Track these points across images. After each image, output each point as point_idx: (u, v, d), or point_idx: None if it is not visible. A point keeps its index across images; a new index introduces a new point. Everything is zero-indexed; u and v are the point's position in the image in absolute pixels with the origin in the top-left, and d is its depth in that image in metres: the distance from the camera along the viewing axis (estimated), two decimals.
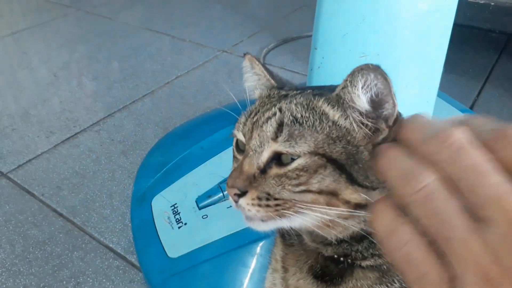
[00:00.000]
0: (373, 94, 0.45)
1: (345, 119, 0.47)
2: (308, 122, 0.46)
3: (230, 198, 0.47)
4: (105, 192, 1.20)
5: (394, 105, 0.45)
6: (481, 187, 0.29)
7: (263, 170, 0.46)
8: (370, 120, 0.46)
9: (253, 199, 0.45)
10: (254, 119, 0.49)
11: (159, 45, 2.04)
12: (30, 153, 1.36)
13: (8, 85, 1.81)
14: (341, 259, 0.51)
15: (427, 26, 0.82)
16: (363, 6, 0.79)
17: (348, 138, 0.46)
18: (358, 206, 0.45)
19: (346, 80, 0.45)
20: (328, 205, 0.45)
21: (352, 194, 0.44)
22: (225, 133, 1.23)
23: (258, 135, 0.47)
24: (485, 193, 0.29)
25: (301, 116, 0.46)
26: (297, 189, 0.44)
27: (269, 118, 0.47)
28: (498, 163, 0.30)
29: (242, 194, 0.46)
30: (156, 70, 1.83)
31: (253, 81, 0.59)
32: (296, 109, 0.47)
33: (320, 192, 0.44)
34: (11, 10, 2.58)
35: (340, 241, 0.50)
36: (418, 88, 0.91)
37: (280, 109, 0.48)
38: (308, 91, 0.52)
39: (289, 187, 0.45)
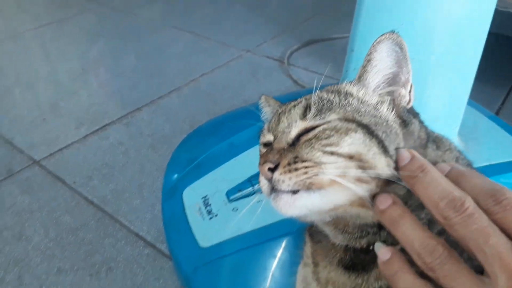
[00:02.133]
0: (393, 59, 0.48)
1: (369, 96, 0.50)
2: (334, 101, 0.49)
3: (263, 178, 0.46)
4: (134, 183, 1.23)
5: (409, 71, 0.49)
6: (487, 247, 0.37)
7: (292, 144, 0.47)
8: (390, 90, 0.50)
9: (284, 166, 0.44)
10: (280, 111, 0.52)
11: (183, 43, 2.08)
12: (60, 143, 1.41)
13: (37, 78, 1.86)
14: (370, 247, 0.51)
15: (462, 34, 0.84)
16: (402, 11, 0.82)
17: (375, 112, 0.48)
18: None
19: (367, 56, 0.49)
20: (358, 181, 0.43)
21: (383, 163, 0.44)
22: (254, 130, 1.26)
23: (286, 118, 0.49)
24: (490, 252, 0.37)
25: (328, 100, 0.49)
26: (327, 149, 0.44)
27: (295, 105, 0.50)
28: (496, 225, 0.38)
29: (275, 168, 0.44)
30: (181, 68, 1.86)
31: (270, 112, 0.64)
32: (321, 94, 0.50)
33: (350, 157, 0.43)
34: (35, 5, 2.64)
35: (372, 227, 0.49)
36: (449, 94, 0.93)
37: (306, 98, 0.50)
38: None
39: (319, 146, 0.44)
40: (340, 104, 0.48)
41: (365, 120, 0.46)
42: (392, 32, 0.47)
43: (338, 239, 0.52)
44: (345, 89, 0.51)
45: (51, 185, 1.24)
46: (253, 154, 1.03)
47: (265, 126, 0.56)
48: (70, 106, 1.62)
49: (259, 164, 0.46)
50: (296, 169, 0.43)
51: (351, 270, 0.52)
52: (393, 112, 0.49)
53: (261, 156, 0.47)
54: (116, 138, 1.43)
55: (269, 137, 0.52)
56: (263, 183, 0.46)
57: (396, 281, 0.43)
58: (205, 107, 1.57)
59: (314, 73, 1.77)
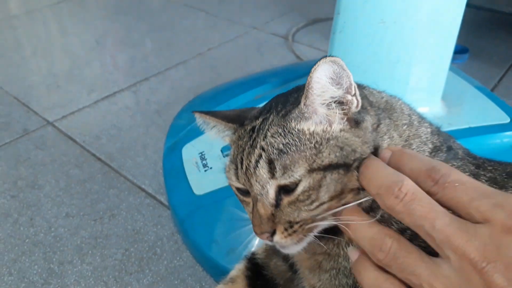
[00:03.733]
0: (332, 77, 0.48)
1: (319, 122, 0.49)
2: (292, 147, 0.48)
3: (264, 240, 0.50)
4: (139, 143, 1.32)
5: (348, 76, 0.48)
6: (435, 231, 0.37)
7: (277, 205, 0.49)
8: (337, 104, 0.49)
9: (282, 232, 0.49)
10: (244, 168, 0.51)
11: (193, 20, 2.15)
12: (73, 106, 1.50)
13: (52, 49, 1.96)
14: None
15: (441, 5, 0.89)
16: None
17: (327, 136, 0.49)
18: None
19: (307, 84, 0.48)
20: (343, 204, 0.48)
21: (351, 176, 0.48)
22: (250, 95, 1.34)
23: (257, 181, 0.49)
24: (438, 237, 0.37)
25: (283, 145, 0.48)
26: (312, 206, 0.48)
27: (257, 161, 0.49)
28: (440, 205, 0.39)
29: (273, 233, 0.49)
30: (189, 42, 1.94)
31: (216, 133, 0.61)
32: (275, 141, 0.49)
33: (331, 198, 0.48)
34: None
35: None
36: (432, 56, 0.98)
37: (262, 148, 0.49)
38: (273, 112, 0.52)
39: (305, 207, 0.48)
40: (300, 150, 0.48)
41: (326, 160, 0.47)
42: (325, 56, 0.47)
43: None
44: (296, 128, 0.49)
45: (62, 143, 1.33)
46: None
47: (229, 167, 0.54)
48: (83, 75, 1.71)
49: (256, 233, 0.50)
50: (295, 231, 0.49)
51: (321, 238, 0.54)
52: (344, 120, 0.50)
53: (254, 225, 0.50)
54: (124, 103, 1.52)
55: (238, 185, 0.53)
56: (265, 240, 0.51)
57: (361, 279, 0.45)
58: (210, 79, 1.64)
59: (317, 49, 1.82)
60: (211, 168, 1.04)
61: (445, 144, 0.56)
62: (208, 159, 1.07)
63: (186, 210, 0.98)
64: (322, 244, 0.53)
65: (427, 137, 0.54)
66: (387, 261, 0.41)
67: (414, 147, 0.53)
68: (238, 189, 0.54)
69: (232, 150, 0.55)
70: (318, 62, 0.47)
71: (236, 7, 2.28)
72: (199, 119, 0.62)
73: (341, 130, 0.49)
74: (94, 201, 1.12)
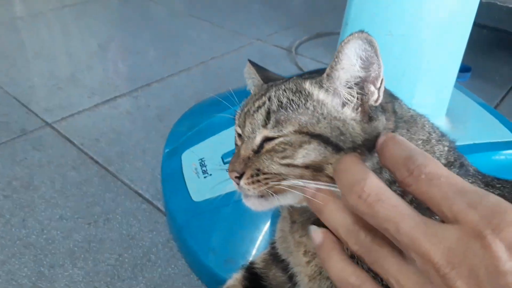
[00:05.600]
0: (362, 58, 0.47)
1: (332, 96, 0.49)
2: (293, 106, 0.49)
3: (234, 182, 0.51)
4: (139, 148, 1.30)
5: (379, 66, 0.47)
6: (399, 235, 0.35)
7: (257, 151, 0.50)
8: (358, 89, 0.49)
9: (247, 178, 0.49)
10: (246, 110, 0.53)
11: (198, 30, 2.16)
12: (73, 109, 1.48)
13: (58, 51, 1.95)
14: None
15: (451, 10, 0.89)
16: None
17: (335, 115, 0.48)
18: None
19: (335, 56, 0.47)
20: (314, 179, 0.47)
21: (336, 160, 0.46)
22: None
23: (250, 123, 0.51)
24: (403, 240, 0.35)
25: (287, 100, 0.49)
26: (283, 161, 0.47)
27: (259, 107, 0.51)
28: (409, 205, 0.36)
29: (241, 176, 0.49)
30: (193, 51, 1.94)
31: (250, 84, 0.64)
32: (283, 94, 0.50)
33: (306, 167, 0.47)
34: None
35: None
36: (438, 71, 0.97)
37: (269, 98, 0.51)
38: (299, 76, 0.55)
39: (277, 159, 0.48)
40: (298, 112, 0.49)
41: (319, 129, 0.47)
42: (361, 31, 0.45)
43: None
44: (307, 90, 0.50)
45: (60, 145, 1.31)
46: None
47: (238, 112, 0.57)
48: (85, 79, 1.70)
49: (228, 170, 0.51)
50: (258, 181, 0.48)
51: None
52: (358, 110, 0.49)
53: (231, 162, 0.51)
54: (125, 108, 1.50)
55: (239, 131, 0.55)
56: (234, 183, 0.52)
57: (327, 266, 0.42)
58: (212, 87, 1.63)
59: (320, 62, 1.82)
60: (210, 175, 1.02)
61: (458, 161, 0.55)
62: (208, 165, 1.05)
63: (184, 217, 0.96)
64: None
65: (441, 154, 0.54)
66: (360, 253, 0.39)
67: None
68: (237, 134, 0.56)
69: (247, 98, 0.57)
70: (353, 34, 0.45)
71: (241, 19, 2.29)
72: (248, 68, 0.64)
73: (352, 119, 0.49)
74: (90, 204, 1.10)
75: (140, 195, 1.13)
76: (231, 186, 0.96)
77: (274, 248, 0.71)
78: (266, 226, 0.90)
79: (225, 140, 1.10)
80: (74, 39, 2.09)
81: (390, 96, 0.55)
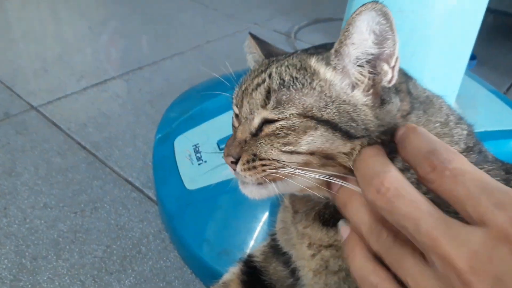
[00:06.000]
0: (376, 32, 0.42)
1: (341, 76, 0.45)
2: (296, 84, 0.44)
3: (230, 168, 0.47)
4: (129, 133, 1.23)
5: (395, 42, 0.43)
6: (419, 234, 0.33)
7: (255, 134, 0.46)
8: (370, 68, 0.44)
9: (244, 164, 0.45)
10: (244, 88, 0.49)
11: (191, 13, 2.08)
12: (60, 92, 1.41)
13: (43, 34, 1.87)
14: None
15: (460, 9, 0.83)
16: None
17: (345, 98, 0.44)
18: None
19: (345, 30, 0.43)
20: (322, 167, 0.44)
21: (347, 150, 0.43)
22: None
23: (248, 103, 0.46)
24: (422, 240, 0.33)
25: (290, 78, 0.45)
26: (285, 148, 0.43)
27: (258, 85, 0.46)
28: (430, 201, 0.34)
29: (238, 161, 0.45)
30: (187, 34, 1.86)
31: (250, 59, 0.60)
32: (285, 71, 0.46)
33: (311, 153, 0.43)
34: None
35: None
36: (449, 52, 0.91)
37: (269, 74, 0.46)
38: (303, 51, 0.50)
39: (277, 145, 0.43)
40: (302, 92, 0.44)
41: (327, 115, 0.43)
42: (375, 1, 0.40)
43: (316, 196, 0.50)
44: (313, 67, 0.45)
45: (45, 129, 1.24)
46: None
47: (235, 90, 0.53)
48: (73, 61, 1.62)
49: (223, 153, 0.47)
50: (255, 167, 0.44)
51: (330, 226, 0.49)
52: (370, 92, 0.44)
53: (226, 145, 0.47)
54: (115, 91, 1.43)
55: (236, 111, 0.51)
56: (230, 169, 0.47)
57: (349, 261, 0.40)
58: (207, 72, 1.55)
59: None
60: (205, 161, 0.96)
61: (477, 146, 0.51)
62: (202, 152, 0.98)
63: (176, 206, 0.90)
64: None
65: (460, 138, 0.49)
66: (381, 252, 0.38)
67: None
68: (235, 114, 0.52)
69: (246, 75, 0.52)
70: (366, 5, 0.40)
71: (236, 3, 2.21)
72: (248, 42, 0.60)
73: (363, 104, 0.44)
74: (76, 192, 1.03)
75: (130, 182, 1.06)
76: (228, 173, 0.89)
77: (275, 240, 0.66)
78: (265, 215, 0.84)
79: (221, 125, 1.04)
80: (63, 21, 2.00)
81: (404, 76, 0.50)
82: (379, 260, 0.38)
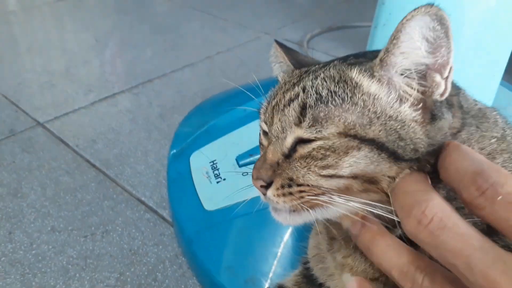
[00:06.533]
0: (429, 39, 0.38)
1: (387, 89, 0.40)
2: (336, 100, 0.40)
3: (259, 191, 0.44)
4: (140, 149, 1.17)
5: (450, 50, 0.38)
6: (471, 274, 0.29)
7: (288, 155, 0.42)
8: (420, 79, 0.39)
9: (277, 188, 0.41)
10: (274, 103, 0.44)
11: (200, 23, 2.03)
12: (67, 107, 1.35)
13: (51, 45, 1.82)
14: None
15: (496, 13, 0.77)
16: None
17: (391, 113, 0.39)
18: None
19: (393, 37, 0.38)
20: (363, 193, 0.40)
21: (393, 173, 0.39)
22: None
23: (280, 120, 0.42)
24: (476, 281, 0.28)
25: (328, 92, 0.40)
26: (324, 172, 0.39)
27: (291, 100, 0.42)
28: (482, 234, 0.30)
29: (268, 185, 0.42)
30: (197, 45, 1.81)
31: (277, 69, 0.56)
32: (322, 84, 0.41)
33: (354, 177, 0.39)
34: None
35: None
36: (485, 56, 0.85)
37: (303, 88, 0.42)
38: (340, 60, 0.45)
39: (315, 169, 0.40)
40: (343, 108, 0.39)
41: (372, 133, 0.38)
42: (430, 4, 0.36)
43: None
44: (355, 80, 0.41)
45: (53, 146, 1.18)
46: None
47: (263, 104, 0.49)
48: (80, 74, 1.57)
49: (252, 176, 0.43)
50: (291, 194, 0.41)
51: None
52: (419, 107, 0.40)
53: (255, 167, 0.43)
54: (125, 106, 1.37)
55: (265, 128, 0.46)
56: (259, 192, 0.44)
57: None
58: (219, 83, 1.50)
59: (334, 57, 1.69)
60: (224, 179, 0.89)
61: None
62: (220, 168, 0.92)
63: (195, 229, 0.83)
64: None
65: None
66: None
67: (499, 161, 0.43)
68: (263, 131, 0.47)
69: (275, 87, 0.49)
70: (419, 9, 0.36)
71: (245, 12, 2.16)
72: (274, 50, 0.55)
73: (412, 120, 0.39)
74: (86, 214, 0.97)
75: (143, 202, 1.00)
76: (249, 192, 0.81)
77: (308, 269, 0.59)
78: (287, 235, 0.77)
79: (240, 140, 0.98)
80: (69, 34, 1.95)
81: (454, 87, 0.45)
82: None
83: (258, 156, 0.97)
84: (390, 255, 0.36)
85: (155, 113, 1.33)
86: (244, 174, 0.89)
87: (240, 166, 0.91)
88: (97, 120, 1.30)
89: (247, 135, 0.99)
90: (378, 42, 0.83)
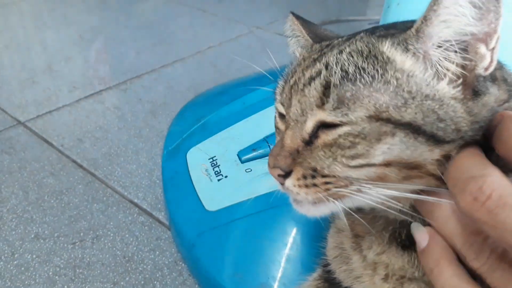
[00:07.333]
0: (476, 3, 0.33)
1: (423, 65, 0.36)
2: (365, 78, 0.35)
3: (275, 180, 0.40)
4: (130, 148, 1.09)
5: (498, 16, 0.33)
6: None
7: (309, 142, 0.38)
8: (461, 51, 0.35)
9: (298, 179, 0.37)
10: (292, 82, 0.40)
11: (189, 18, 1.95)
12: (51, 105, 1.26)
13: (29, 42, 1.72)
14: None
15: None
16: None
17: (428, 92, 0.35)
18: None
19: (433, 3, 0.34)
20: (404, 181, 0.36)
21: (436, 156, 0.35)
22: (266, 91, 1.10)
23: (299, 101, 0.38)
24: None
25: (356, 69, 0.36)
26: (353, 162, 0.35)
27: (311, 78, 0.38)
28: None
29: (287, 174, 0.38)
30: (187, 40, 1.74)
31: (293, 44, 0.52)
32: (349, 59, 0.37)
33: (387, 164, 0.35)
34: None
35: None
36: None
37: (326, 64, 0.38)
38: (367, 32, 0.41)
39: (342, 159, 0.36)
40: (373, 87, 0.35)
41: (408, 116, 0.34)
42: None
43: (389, 212, 0.40)
44: (386, 54, 0.36)
45: (35, 147, 1.09)
46: (270, 114, 0.88)
47: (280, 83, 0.45)
48: (64, 71, 1.48)
49: (268, 164, 0.39)
50: (315, 185, 0.37)
51: (414, 251, 0.39)
52: (459, 82, 0.36)
53: (271, 154, 0.39)
54: (112, 102, 1.29)
55: (282, 110, 0.42)
56: (277, 182, 0.40)
57: (435, 277, 0.34)
58: (211, 78, 1.43)
59: None
60: (226, 177, 0.82)
61: None
62: (221, 165, 0.85)
63: (196, 231, 0.75)
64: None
65: None
66: (481, 271, 0.32)
67: None
68: (279, 114, 0.43)
69: (293, 63, 0.44)
70: None
71: (235, 7, 2.10)
72: (291, 23, 0.52)
73: (451, 98, 0.35)
74: (73, 218, 0.88)
75: (136, 205, 0.92)
76: (253, 190, 0.74)
77: (329, 272, 0.53)
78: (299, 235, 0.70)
79: (240, 134, 0.91)
80: (50, 30, 1.85)
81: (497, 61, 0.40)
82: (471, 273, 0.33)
83: (262, 151, 0.90)
84: (455, 220, 0.34)
85: (145, 110, 1.25)
86: (247, 170, 0.82)
87: (242, 162, 0.84)
88: (83, 118, 1.21)
89: (248, 129, 0.92)
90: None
